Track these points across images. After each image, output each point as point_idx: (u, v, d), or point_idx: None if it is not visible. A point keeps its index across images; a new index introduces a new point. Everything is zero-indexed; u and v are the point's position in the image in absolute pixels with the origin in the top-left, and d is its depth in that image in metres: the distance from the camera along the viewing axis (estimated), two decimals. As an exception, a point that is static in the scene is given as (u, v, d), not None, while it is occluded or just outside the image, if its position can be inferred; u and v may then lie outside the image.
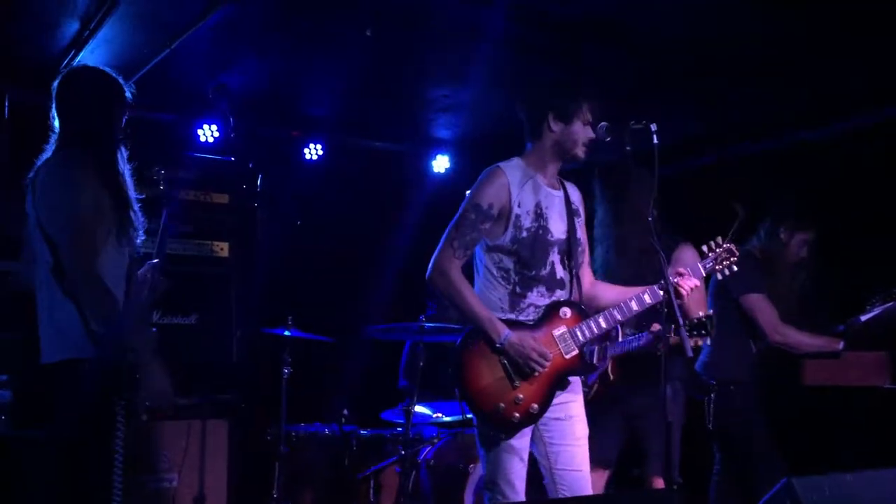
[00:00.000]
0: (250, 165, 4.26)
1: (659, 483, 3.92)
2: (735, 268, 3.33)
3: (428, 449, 4.70)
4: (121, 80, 3.16)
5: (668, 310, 2.79)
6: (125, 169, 3.10)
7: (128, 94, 3.15)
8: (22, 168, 3.06)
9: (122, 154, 3.11)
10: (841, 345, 4.20)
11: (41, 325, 2.97)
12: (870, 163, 4.94)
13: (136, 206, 3.10)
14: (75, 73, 3.17)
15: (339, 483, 4.87)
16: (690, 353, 2.72)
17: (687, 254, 3.94)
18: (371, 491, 4.73)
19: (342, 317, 5.66)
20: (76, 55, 4.62)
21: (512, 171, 3.17)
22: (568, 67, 4.77)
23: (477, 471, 4.44)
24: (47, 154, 3.05)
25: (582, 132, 3.16)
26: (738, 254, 3.33)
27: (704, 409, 4.23)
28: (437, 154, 6.65)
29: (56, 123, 3.08)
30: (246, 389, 5.02)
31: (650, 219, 2.91)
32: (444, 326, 4.61)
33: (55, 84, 3.10)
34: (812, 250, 4.39)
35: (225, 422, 4.82)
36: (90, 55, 4.60)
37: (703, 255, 3.32)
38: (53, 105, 3.09)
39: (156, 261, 3.22)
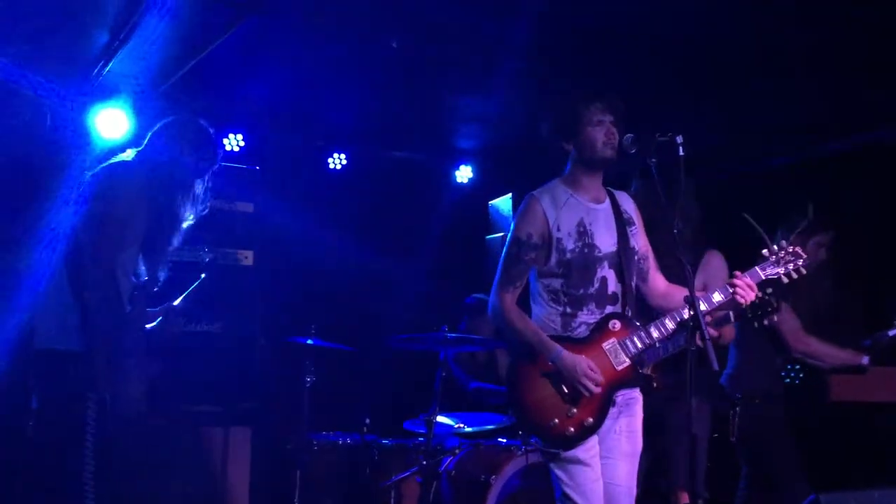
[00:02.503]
0: (277, 172, 4.34)
1: (684, 498, 3.89)
2: (804, 271, 3.22)
3: (449, 459, 4.69)
4: (219, 146, 3.47)
5: (693, 323, 2.77)
6: (189, 202, 3.30)
7: (218, 157, 3.45)
8: (57, 175, 3.21)
9: (199, 190, 3.35)
10: (865, 359, 4.15)
11: (36, 310, 3.09)
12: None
13: (179, 234, 3.25)
14: (185, 120, 3.43)
15: (360, 492, 4.87)
16: (716, 366, 2.69)
17: (715, 261, 3.93)
18: (392, 500, 4.72)
19: (365, 326, 5.69)
20: (106, 65, 4.67)
21: (546, 196, 3.17)
22: (591, 78, 4.76)
23: (498, 483, 4.42)
24: (119, 159, 3.26)
25: (594, 135, 3.11)
26: (805, 257, 3.23)
27: (730, 422, 4.20)
28: (460, 164, 6.67)
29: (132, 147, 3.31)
30: (268, 397, 5.04)
31: (675, 231, 2.90)
32: (467, 337, 4.62)
33: (167, 120, 3.40)
34: (832, 252, 4.30)
35: (247, 429, 4.83)
36: (119, 65, 4.66)
37: (763, 260, 3.23)
38: (154, 133, 3.36)
39: (176, 303, 3.33)
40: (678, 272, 3.12)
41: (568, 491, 3.03)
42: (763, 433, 4.15)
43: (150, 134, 3.37)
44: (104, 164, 3.23)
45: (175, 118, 3.41)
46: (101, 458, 2.93)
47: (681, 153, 2.88)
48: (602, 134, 3.11)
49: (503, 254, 3.20)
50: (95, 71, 4.79)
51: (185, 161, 3.30)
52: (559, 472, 3.06)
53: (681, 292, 3.28)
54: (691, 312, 2.79)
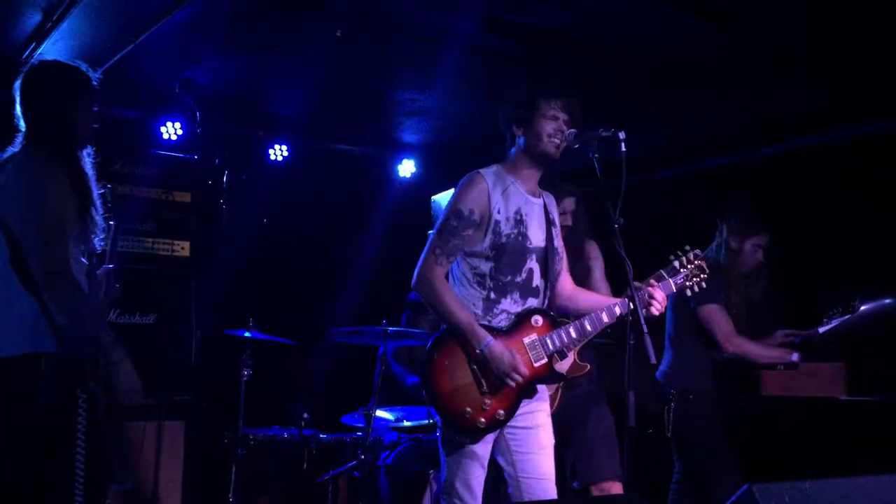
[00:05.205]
0: (217, 162, 4.20)
1: (618, 488, 3.92)
2: (704, 285, 3.33)
3: (388, 453, 4.67)
4: (84, 68, 3.07)
5: (633, 318, 2.79)
6: (89, 168, 3.06)
7: (94, 82, 3.07)
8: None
9: (88, 152, 3.07)
10: (795, 356, 4.25)
11: None
12: (831, 178, 5.03)
13: (99, 207, 3.07)
14: (37, 69, 3.07)
15: (297, 487, 4.81)
16: (654, 360, 2.73)
17: (593, 251, 4.09)
18: (329, 495, 4.68)
19: (305, 319, 5.62)
20: (37, 47, 4.52)
21: (491, 176, 3.15)
22: (533, 76, 4.79)
23: (436, 477, 4.42)
24: (13, 151, 3.00)
25: (545, 126, 3.11)
26: (708, 271, 3.34)
27: (664, 418, 4.27)
28: (403, 158, 6.65)
29: (21, 123, 3.02)
30: (204, 391, 4.95)
31: (616, 226, 2.92)
32: (407, 331, 4.60)
33: (17, 83, 3.02)
34: (768, 255, 4.40)
35: (182, 423, 4.76)
36: (52, 47, 4.51)
37: (674, 272, 3.31)
38: (18, 104, 3.02)
39: (111, 266, 3.18)
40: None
41: (456, 482, 3.06)
42: (697, 428, 4.22)
43: (19, 107, 3.00)
44: (7, 154, 2.98)
45: (27, 76, 3.00)
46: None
47: (623, 149, 2.90)
48: (552, 128, 3.11)
49: (439, 225, 3.14)
50: (26, 54, 4.63)
51: (75, 115, 3.00)
52: (451, 463, 3.08)
53: (584, 295, 3.39)
54: (631, 307, 2.81)
